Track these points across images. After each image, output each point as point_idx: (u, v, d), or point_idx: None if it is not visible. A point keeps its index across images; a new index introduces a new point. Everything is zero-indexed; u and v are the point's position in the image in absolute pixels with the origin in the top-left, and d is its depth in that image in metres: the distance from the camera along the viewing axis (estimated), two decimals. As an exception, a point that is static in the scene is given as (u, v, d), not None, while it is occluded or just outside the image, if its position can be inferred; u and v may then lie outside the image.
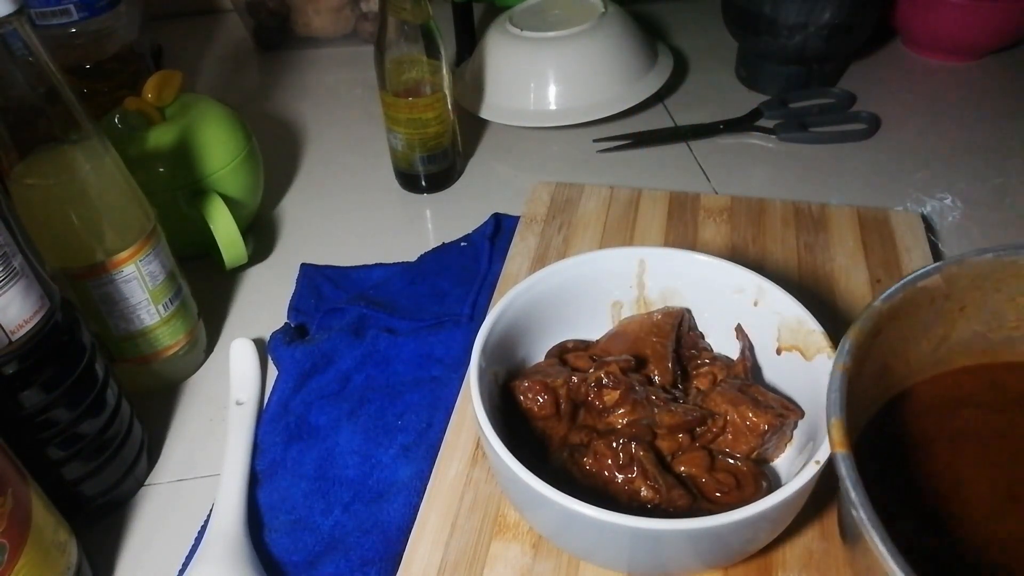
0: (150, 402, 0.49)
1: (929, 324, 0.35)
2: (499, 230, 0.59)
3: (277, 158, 0.70)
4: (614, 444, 0.37)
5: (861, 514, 0.26)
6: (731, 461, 0.38)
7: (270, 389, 0.49)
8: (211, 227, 0.53)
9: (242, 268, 0.58)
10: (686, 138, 0.70)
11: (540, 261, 0.55)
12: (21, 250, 0.35)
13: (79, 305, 0.43)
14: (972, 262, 0.35)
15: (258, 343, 0.52)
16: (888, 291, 0.33)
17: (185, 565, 0.40)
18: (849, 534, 0.29)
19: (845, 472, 0.27)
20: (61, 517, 0.37)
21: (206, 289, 0.55)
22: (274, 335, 0.51)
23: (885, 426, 0.35)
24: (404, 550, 0.39)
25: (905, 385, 0.37)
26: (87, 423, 0.40)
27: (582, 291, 0.43)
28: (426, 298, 0.54)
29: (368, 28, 0.86)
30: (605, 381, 0.38)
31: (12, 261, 0.34)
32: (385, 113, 0.62)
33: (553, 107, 0.70)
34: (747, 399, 0.38)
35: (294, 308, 0.54)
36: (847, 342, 0.32)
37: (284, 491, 0.43)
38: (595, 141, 0.70)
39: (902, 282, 0.34)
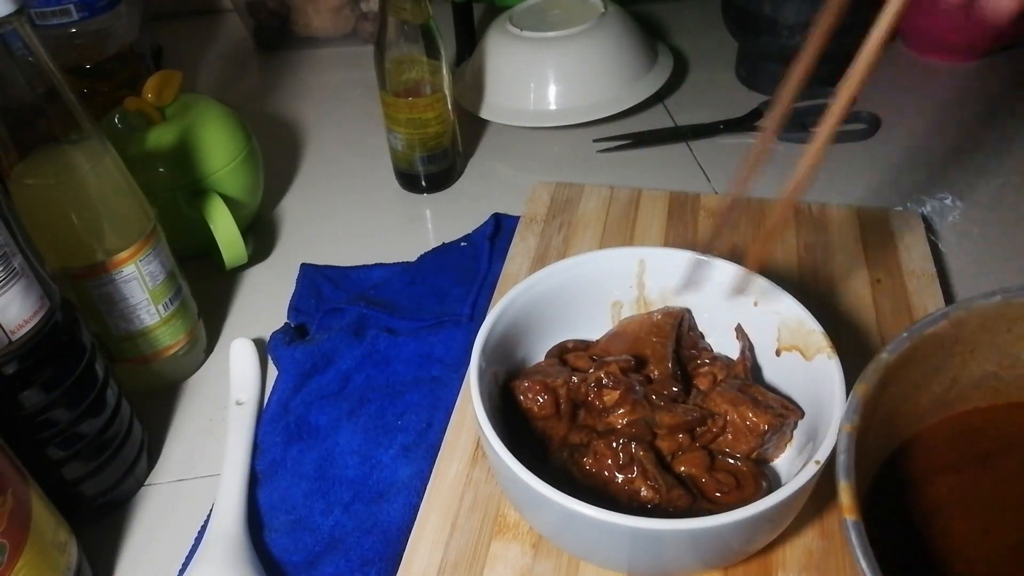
0: (150, 402, 0.49)
1: (939, 368, 0.35)
2: (499, 230, 0.59)
3: (277, 158, 0.70)
4: (614, 444, 0.37)
5: None
6: (731, 461, 0.38)
7: (270, 389, 0.49)
8: (211, 227, 0.53)
9: (242, 268, 0.58)
10: (686, 138, 0.70)
11: (540, 261, 0.55)
12: (21, 250, 0.35)
13: (79, 305, 0.43)
14: (980, 306, 0.34)
15: (258, 343, 0.52)
16: (895, 342, 0.32)
17: (185, 565, 0.40)
18: None
19: (855, 539, 0.27)
20: (61, 517, 0.37)
21: (206, 289, 0.55)
22: (274, 335, 0.51)
23: (894, 474, 0.35)
24: (404, 550, 0.39)
25: (915, 429, 0.36)
26: (87, 423, 0.40)
27: (582, 291, 0.43)
28: (426, 298, 0.54)
29: (368, 28, 0.86)
30: (605, 381, 0.38)
31: (12, 261, 0.34)
32: (385, 113, 0.62)
33: (553, 107, 0.69)
34: (747, 399, 0.38)
35: (294, 308, 0.54)
36: (854, 400, 0.31)
37: (284, 491, 0.43)
38: (595, 141, 0.69)
39: (908, 332, 0.33)
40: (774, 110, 0.36)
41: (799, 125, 0.69)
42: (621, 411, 0.38)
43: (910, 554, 0.32)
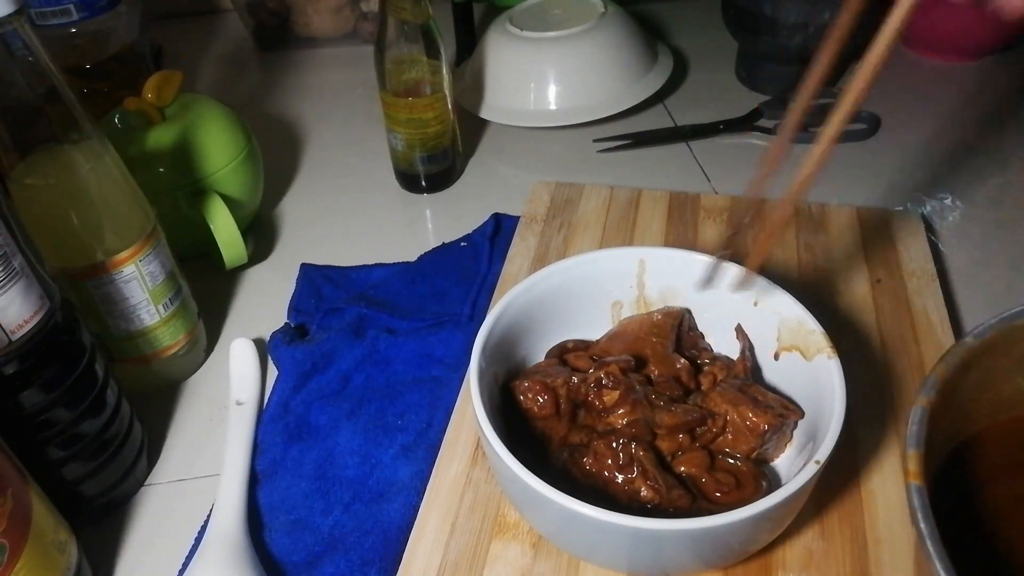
0: (150, 402, 0.49)
1: None
2: (499, 230, 0.59)
3: (277, 158, 0.70)
4: (614, 444, 0.37)
5: (929, 547, 0.26)
6: (731, 461, 0.38)
7: (270, 389, 0.49)
8: (211, 227, 0.53)
9: (242, 268, 0.58)
10: (686, 138, 0.70)
11: (540, 261, 0.55)
12: (21, 250, 0.35)
13: (79, 305, 0.43)
14: None
15: (258, 343, 0.52)
16: (980, 327, 0.33)
17: (185, 565, 0.40)
18: (920, 556, 0.29)
19: (918, 504, 0.27)
20: (61, 517, 0.37)
21: (206, 289, 0.55)
22: (274, 335, 0.51)
23: (965, 459, 0.35)
24: (404, 550, 0.39)
25: (995, 419, 0.36)
26: (87, 423, 0.40)
27: (582, 291, 0.43)
28: (426, 298, 0.54)
29: (368, 28, 0.86)
30: (605, 381, 0.38)
31: (12, 261, 0.34)
32: (385, 113, 0.62)
33: (553, 107, 0.70)
34: (747, 399, 0.38)
35: (294, 308, 0.54)
36: (932, 377, 0.31)
37: (284, 491, 0.43)
38: (595, 141, 0.69)
39: (996, 319, 0.33)
40: (790, 114, 0.36)
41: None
42: (621, 411, 0.38)
43: (965, 538, 0.32)
